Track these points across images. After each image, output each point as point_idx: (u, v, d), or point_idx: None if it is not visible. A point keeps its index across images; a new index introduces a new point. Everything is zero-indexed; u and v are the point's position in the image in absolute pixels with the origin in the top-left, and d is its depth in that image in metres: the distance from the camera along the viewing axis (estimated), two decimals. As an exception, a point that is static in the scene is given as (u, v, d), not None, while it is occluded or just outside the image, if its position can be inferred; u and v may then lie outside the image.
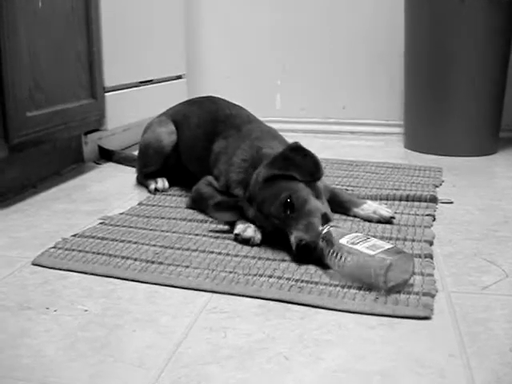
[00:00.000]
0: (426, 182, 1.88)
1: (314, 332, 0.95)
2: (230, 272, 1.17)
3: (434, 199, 1.65)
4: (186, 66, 2.92)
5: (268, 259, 1.24)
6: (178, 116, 1.85)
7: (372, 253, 1.09)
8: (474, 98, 2.31)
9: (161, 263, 1.22)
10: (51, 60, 1.80)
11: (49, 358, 0.89)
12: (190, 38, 2.98)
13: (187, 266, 1.20)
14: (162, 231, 1.42)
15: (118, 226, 1.46)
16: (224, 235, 1.39)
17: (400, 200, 1.66)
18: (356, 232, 1.21)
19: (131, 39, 2.36)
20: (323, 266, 1.19)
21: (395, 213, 1.51)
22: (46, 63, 1.76)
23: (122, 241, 1.35)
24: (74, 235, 1.39)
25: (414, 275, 1.11)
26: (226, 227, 1.42)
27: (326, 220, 1.28)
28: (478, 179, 1.99)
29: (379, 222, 1.47)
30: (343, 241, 1.14)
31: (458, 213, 1.59)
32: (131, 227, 1.45)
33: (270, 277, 1.14)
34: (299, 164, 1.34)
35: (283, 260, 1.23)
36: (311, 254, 1.20)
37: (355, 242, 1.13)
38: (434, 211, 1.57)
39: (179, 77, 2.85)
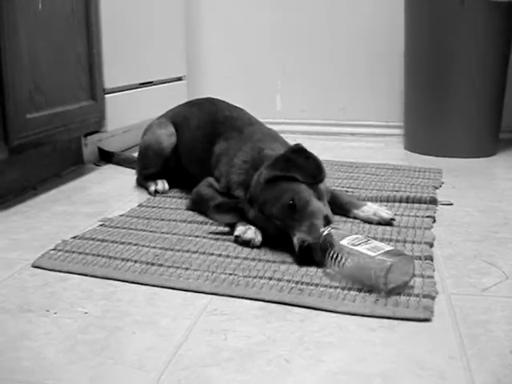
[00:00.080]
0: (426, 183, 1.88)
1: (314, 334, 0.95)
2: (230, 274, 1.17)
3: (433, 201, 1.65)
4: (186, 68, 2.92)
5: (268, 261, 1.24)
6: (178, 118, 1.85)
7: (372, 254, 1.09)
8: (473, 98, 2.31)
9: (161, 265, 1.22)
10: (51, 62, 1.80)
11: (49, 360, 0.88)
12: (190, 39, 2.98)
13: (187, 268, 1.20)
14: (162, 233, 1.42)
15: (117, 227, 1.46)
16: (224, 237, 1.39)
17: (400, 202, 1.66)
18: (356, 234, 1.21)
19: (131, 41, 2.36)
20: (324, 267, 1.18)
21: (395, 214, 1.51)
22: (46, 65, 1.77)
23: (122, 243, 1.35)
24: (74, 237, 1.39)
25: (414, 277, 1.11)
26: (227, 229, 1.42)
27: (327, 222, 1.29)
28: (478, 181, 1.99)
29: (379, 223, 1.47)
30: (344, 242, 1.15)
31: (458, 214, 1.59)
32: (131, 229, 1.45)
33: (270, 279, 1.14)
34: (301, 166, 1.34)
35: (283, 262, 1.23)
36: (313, 256, 1.20)
37: (356, 243, 1.13)
38: (434, 213, 1.57)
39: (179, 78, 2.85)
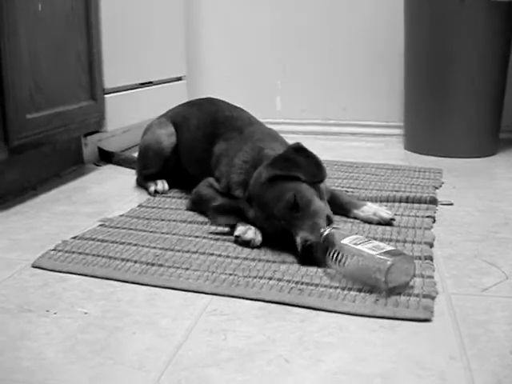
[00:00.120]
0: (426, 183, 1.88)
1: (314, 334, 0.95)
2: (230, 274, 1.17)
3: (434, 201, 1.65)
4: (186, 68, 2.92)
5: (268, 261, 1.24)
6: (178, 118, 1.85)
7: (373, 254, 1.09)
8: (474, 98, 2.31)
9: (161, 265, 1.22)
10: (51, 61, 1.80)
11: (49, 360, 0.89)
12: (189, 39, 2.98)
13: (187, 268, 1.20)
14: (162, 233, 1.42)
15: (117, 227, 1.46)
16: (224, 237, 1.38)
17: (400, 202, 1.66)
18: (356, 234, 1.21)
19: (131, 40, 2.36)
20: (325, 266, 1.18)
21: (395, 214, 1.51)
22: (46, 65, 1.77)
23: (122, 243, 1.35)
24: (74, 237, 1.39)
25: (415, 277, 1.11)
26: (227, 229, 1.42)
27: (328, 221, 1.29)
28: (478, 180, 1.99)
29: (379, 223, 1.47)
30: (344, 242, 1.15)
31: (458, 214, 1.59)
32: (131, 229, 1.45)
33: (270, 279, 1.14)
34: (302, 164, 1.34)
35: (283, 262, 1.23)
36: (316, 255, 1.20)
37: (356, 243, 1.13)
38: (434, 213, 1.57)
39: (179, 78, 2.85)
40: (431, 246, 1.33)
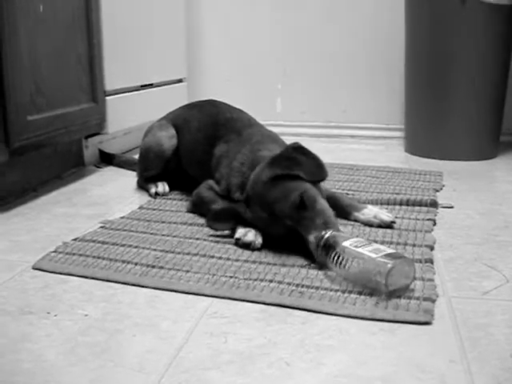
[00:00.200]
0: (427, 186, 1.88)
1: (315, 337, 0.95)
2: (231, 277, 1.17)
3: (434, 204, 1.65)
4: (187, 69, 2.92)
5: (269, 264, 1.24)
6: (179, 120, 1.85)
7: (374, 256, 1.09)
8: (474, 99, 2.31)
9: (161, 268, 1.22)
10: (52, 63, 1.80)
11: (49, 362, 0.89)
12: (190, 40, 2.98)
13: (188, 271, 1.20)
14: (163, 235, 1.42)
15: (118, 230, 1.46)
16: (225, 239, 1.38)
17: (400, 204, 1.66)
18: (357, 236, 1.21)
19: (132, 42, 2.36)
20: (325, 269, 1.18)
21: (396, 217, 1.51)
22: (46, 67, 1.77)
23: (123, 245, 1.35)
24: (75, 239, 1.39)
25: (415, 280, 1.11)
26: (227, 232, 1.42)
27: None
28: (479, 183, 1.99)
29: (380, 226, 1.47)
30: (345, 244, 1.15)
31: (459, 217, 1.59)
32: (132, 231, 1.45)
33: (271, 281, 1.14)
34: (303, 163, 1.33)
35: (284, 265, 1.23)
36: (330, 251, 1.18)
37: (357, 246, 1.13)
38: (435, 216, 1.57)
39: (180, 80, 2.85)
40: (432, 248, 1.33)
